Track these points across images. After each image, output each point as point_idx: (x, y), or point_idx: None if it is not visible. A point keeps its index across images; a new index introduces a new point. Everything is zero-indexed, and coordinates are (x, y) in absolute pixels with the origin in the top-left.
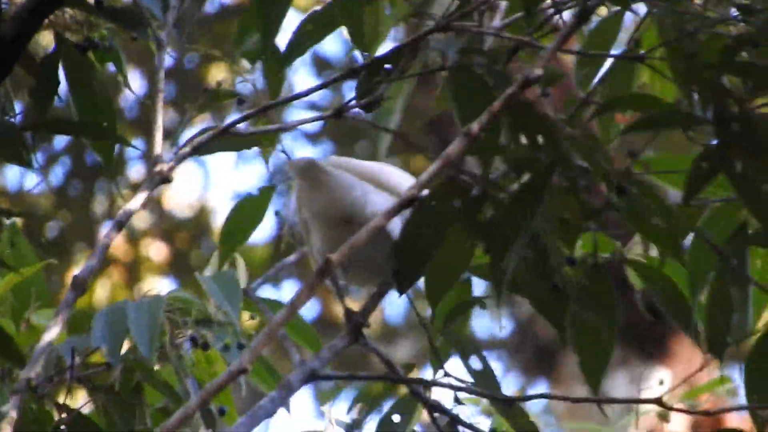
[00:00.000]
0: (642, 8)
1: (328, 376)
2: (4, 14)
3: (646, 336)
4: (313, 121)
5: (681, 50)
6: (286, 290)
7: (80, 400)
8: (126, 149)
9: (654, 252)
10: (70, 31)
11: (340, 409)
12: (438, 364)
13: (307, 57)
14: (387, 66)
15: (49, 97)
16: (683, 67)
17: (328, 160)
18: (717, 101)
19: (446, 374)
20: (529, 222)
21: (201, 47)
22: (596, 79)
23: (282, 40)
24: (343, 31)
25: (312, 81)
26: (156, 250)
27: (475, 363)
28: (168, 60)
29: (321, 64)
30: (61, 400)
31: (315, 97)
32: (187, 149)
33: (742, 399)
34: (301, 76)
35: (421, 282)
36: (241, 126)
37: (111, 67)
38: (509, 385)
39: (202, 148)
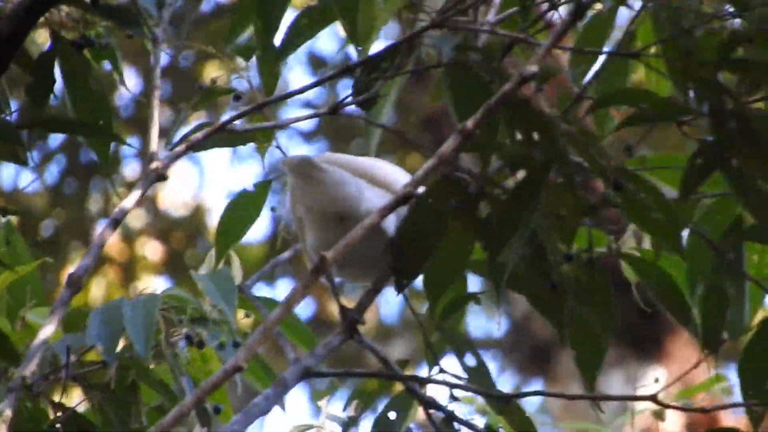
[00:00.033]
0: (637, 3)
1: (322, 373)
2: (1, 12)
3: (641, 335)
4: (309, 118)
5: (677, 47)
6: (281, 289)
7: (76, 399)
8: (121, 148)
9: (647, 245)
10: (66, 29)
11: (336, 407)
12: (433, 361)
13: (302, 55)
14: (383, 63)
15: (45, 95)
16: (680, 65)
17: (322, 156)
18: (713, 98)
19: (441, 371)
20: (528, 219)
21: (197, 43)
22: (590, 75)
23: (276, 36)
24: (338, 28)
25: (307, 79)
26: (151, 249)
27: (470, 360)
28: (163, 58)
29: (316, 63)
30: (56, 398)
31: (310, 95)
32: (182, 147)
33: (737, 398)
34: (296, 74)
35: (416, 279)
36: (237, 123)
37: (107, 65)
38: (505, 385)
39: (197, 145)
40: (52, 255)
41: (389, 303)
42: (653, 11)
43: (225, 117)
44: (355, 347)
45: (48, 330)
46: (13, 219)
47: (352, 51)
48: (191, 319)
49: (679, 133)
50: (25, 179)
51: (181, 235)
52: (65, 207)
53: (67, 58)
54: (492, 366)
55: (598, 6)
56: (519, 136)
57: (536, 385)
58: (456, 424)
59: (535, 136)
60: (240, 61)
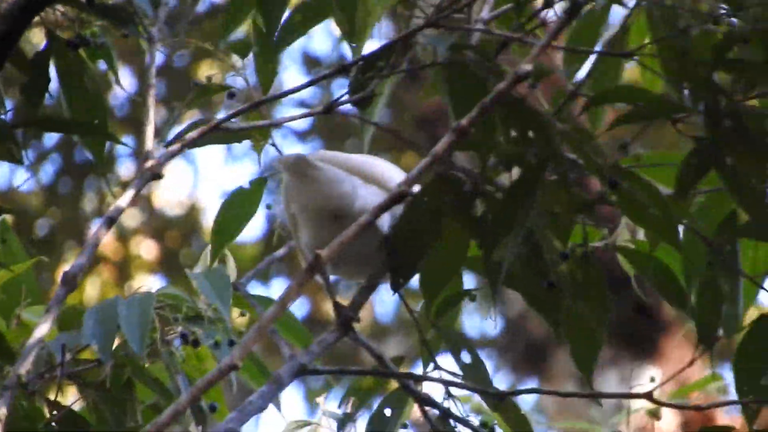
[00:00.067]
0: (630, 1)
1: (317, 371)
2: None
3: (636, 335)
4: (304, 117)
5: (673, 47)
6: (276, 288)
7: (71, 397)
8: (116, 147)
9: (641, 236)
10: (62, 28)
11: (333, 404)
12: (429, 358)
13: (297, 55)
14: (378, 62)
15: (40, 94)
16: (675, 65)
17: (316, 154)
18: (709, 98)
19: (437, 367)
20: (523, 218)
21: (193, 40)
22: (583, 72)
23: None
24: (331, 27)
25: (302, 79)
26: (146, 249)
27: (466, 358)
28: (159, 57)
29: (310, 63)
30: (51, 396)
31: (304, 94)
32: (177, 145)
33: (732, 397)
34: (290, 74)
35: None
36: (232, 121)
37: (102, 64)
38: (500, 384)
39: (192, 143)
40: (47, 254)
41: (384, 302)
42: (648, 9)
43: (219, 115)
44: (350, 345)
45: (43, 329)
46: (8, 218)
47: (346, 51)
48: (186, 317)
49: (674, 132)
50: (20, 178)
51: (176, 234)
52: (60, 206)
53: (63, 58)
54: (487, 365)
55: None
56: (514, 135)
57: (531, 384)
58: (451, 422)
59: (531, 134)
60: (235, 59)
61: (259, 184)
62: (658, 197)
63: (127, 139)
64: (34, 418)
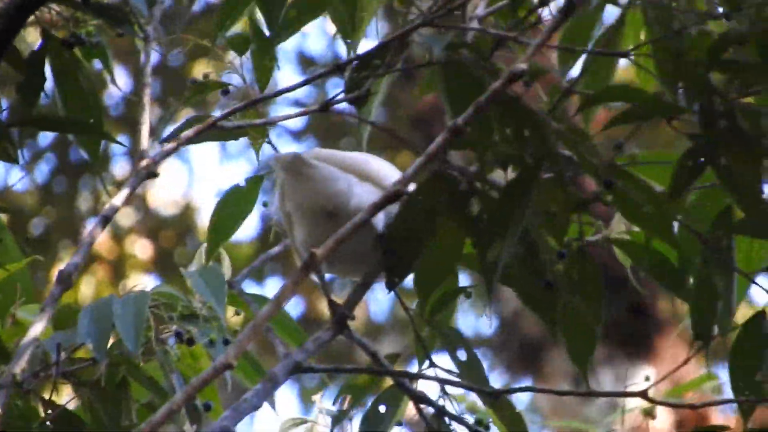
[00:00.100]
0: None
1: (312, 369)
2: None
3: (631, 335)
4: (300, 115)
5: (668, 48)
6: (270, 287)
7: (66, 396)
8: (111, 146)
9: (636, 227)
10: (57, 28)
11: (327, 403)
12: (424, 356)
13: (291, 55)
14: (374, 61)
15: (35, 93)
16: (670, 65)
17: (311, 152)
18: (704, 98)
19: (432, 365)
20: (520, 217)
21: (191, 37)
22: (577, 69)
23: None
24: (327, 24)
25: (297, 79)
26: (141, 248)
27: (462, 355)
28: (154, 56)
29: (305, 62)
30: (46, 395)
31: (299, 94)
32: (172, 143)
33: (727, 396)
34: (285, 74)
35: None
36: (227, 119)
37: (97, 63)
38: (494, 383)
39: (188, 140)
40: (41, 253)
41: (378, 301)
42: (642, 9)
43: (215, 114)
44: (344, 344)
45: (38, 327)
46: (3, 217)
47: (341, 50)
48: (181, 316)
49: (670, 132)
50: (15, 177)
51: (171, 233)
52: (55, 205)
53: (58, 57)
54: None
55: None
56: (510, 133)
57: (525, 383)
58: (446, 419)
59: (526, 133)
60: (230, 57)
61: (255, 183)
62: (652, 196)
63: (122, 138)
64: (29, 417)
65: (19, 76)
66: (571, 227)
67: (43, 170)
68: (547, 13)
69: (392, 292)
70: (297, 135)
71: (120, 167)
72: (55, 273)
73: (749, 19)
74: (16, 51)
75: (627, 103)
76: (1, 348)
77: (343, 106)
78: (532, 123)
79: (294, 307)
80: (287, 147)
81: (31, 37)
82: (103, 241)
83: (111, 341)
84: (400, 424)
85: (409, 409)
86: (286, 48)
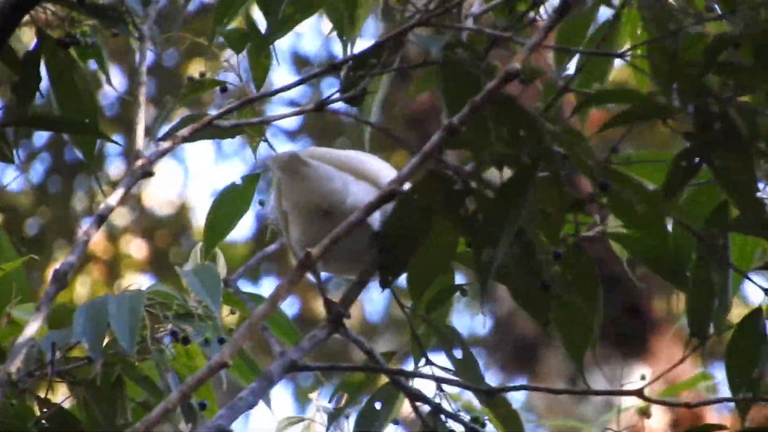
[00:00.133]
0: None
1: (308, 367)
2: None
3: (625, 334)
4: (295, 114)
5: (663, 49)
6: (265, 287)
7: (61, 395)
8: (106, 146)
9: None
10: (52, 28)
11: (323, 401)
12: (420, 354)
13: (286, 55)
14: (370, 60)
15: (30, 93)
16: (665, 66)
17: (307, 151)
18: (698, 100)
19: (428, 362)
20: (515, 217)
21: (187, 36)
22: (572, 66)
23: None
24: (322, 24)
25: (292, 78)
26: (136, 248)
27: (457, 354)
28: (149, 56)
29: (300, 62)
30: (42, 394)
31: (294, 94)
32: (168, 142)
33: (721, 395)
34: (280, 73)
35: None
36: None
37: (92, 63)
38: (489, 383)
39: (184, 138)
40: (36, 253)
41: (373, 300)
42: (638, 8)
43: (210, 112)
44: (339, 343)
45: (34, 327)
46: None
47: (335, 50)
48: (176, 315)
49: (665, 130)
50: (10, 177)
51: (166, 233)
52: (50, 205)
53: (53, 57)
54: None
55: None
56: (505, 133)
57: (520, 383)
58: (442, 417)
59: (522, 133)
60: (226, 56)
61: (251, 181)
62: (646, 197)
63: (117, 138)
64: (25, 416)
65: (15, 75)
66: (567, 223)
67: (38, 170)
68: (542, 12)
69: (387, 291)
70: (292, 135)
71: (115, 167)
72: (50, 273)
73: (744, 21)
74: (12, 50)
75: (622, 105)
76: None
77: (339, 105)
78: (527, 123)
79: (289, 307)
80: (282, 146)
81: (27, 37)
82: (98, 240)
83: (106, 340)
84: (396, 422)
85: (405, 409)
86: (281, 48)
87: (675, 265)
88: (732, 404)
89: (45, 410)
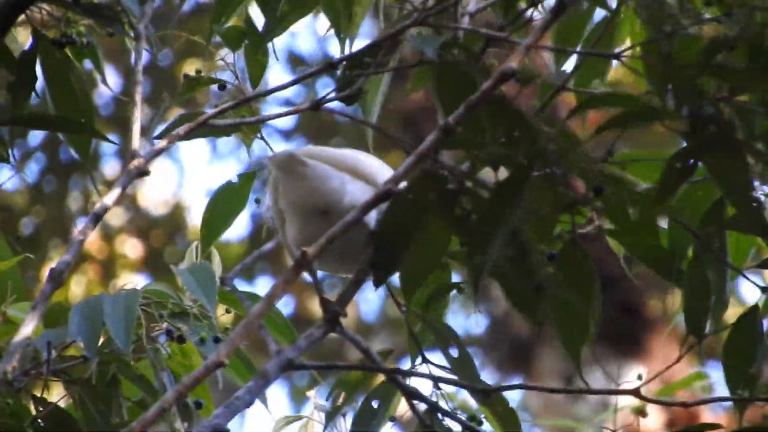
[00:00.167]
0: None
1: (304, 366)
2: None
3: (621, 334)
4: (291, 113)
5: (658, 50)
6: (260, 286)
7: (57, 394)
8: (101, 146)
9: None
10: (48, 28)
11: (319, 400)
12: (417, 351)
13: (281, 54)
14: (366, 59)
15: (26, 92)
16: (659, 68)
17: (304, 149)
18: (693, 102)
19: (425, 361)
20: (510, 218)
21: (183, 34)
22: (571, 65)
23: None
24: (317, 24)
25: (287, 78)
26: (131, 247)
27: (454, 352)
28: (144, 55)
29: (295, 61)
30: (37, 393)
31: (289, 93)
32: (164, 142)
33: (717, 395)
34: (275, 73)
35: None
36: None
37: (87, 63)
38: (485, 381)
39: (180, 137)
40: (31, 252)
41: (369, 300)
42: (634, 9)
43: (206, 111)
44: (335, 343)
45: (30, 326)
46: None
47: (331, 50)
48: (172, 314)
49: (661, 130)
50: (5, 176)
51: (161, 232)
52: (45, 205)
53: (49, 57)
54: None
55: None
56: (501, 133)
57: (516, 382)
58: (439, 415)
59: (516, 133)
60: (221, 55)
61: (247, 179)
62: (640, 202)
63: (113, 137)
64: (20, 416)
65: (10, 75)
66: (564, 220)
67: (33, 169)
68: (538, 12)
69: (384, 290)
70: (287, 134)
71: (110, 167)
72: (45, 272)
73: (739, 23)
74: (7, 50)
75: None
76: None
77: (335, 104)
78: (522, 124)
79: (284, 306)
80: (277, 146)
81: (22, 37)
82: (93, 240)
83: (102, 339)
84: (393, 420)
85: (402, 407)
86: (276, 47)
87: (671, 263)
88: (727, 403)
89: (41, 409)
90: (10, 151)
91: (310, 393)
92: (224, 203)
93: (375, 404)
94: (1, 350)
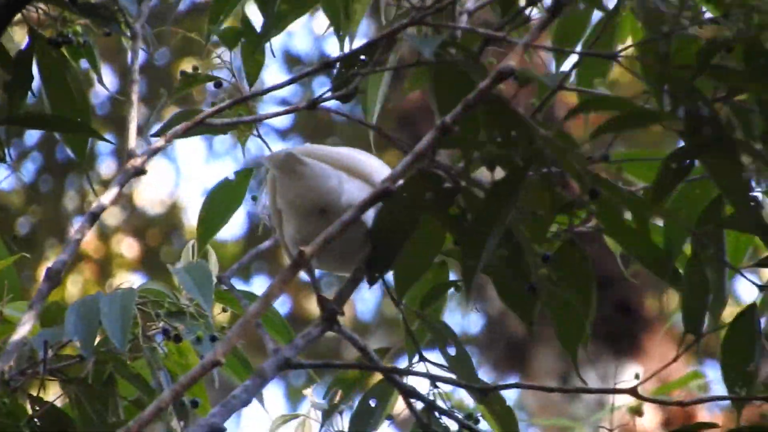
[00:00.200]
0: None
1: (302, 365)
2: None
3: (617, 333)
4: (288, 112)
5: (655, 50)
6: (257, 285)
7: (53, 393)
8: (97, 145)
9: (627, 215)
10: (44, 27)
11: (316, 398)
12: (414, 350)
13: (278, 53)
14: (362, 57)
15: (22, 92)
16: (656, 68)
17: (302, 148)
18: (689, 103)
19: (422, 358)
20: (505, 218)
21: (180, 31)
22: (568, 66)
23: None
24: (313, 23)
25: (283, 77)
26: (127, 247)
27: (451, 350)
28: (141, 54)
29: (292, 61)
30: (34, 393)
31: (285, 93)
32: (162, 140)
33: (713, 394)
34: (271, 72)
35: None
36: (215, 114)
37: (84, 63)
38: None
39: (177, 135)
40: (28, 252)
41: (365, 299)
42: (631, 10)
43: (202, 109)
44: (331, 343)
45: (26, 326)
46: None
47: (327, 49)
48: (168, 313)
49: (658, 129)
50: (1, 176)
51: (157, 232)
52: (41, 204)
53: (45, 56)
54: None
55: None
56: (497, 134)
57: (512, 381)
58: (436, 413)
59: (513, 134)
60: (218, 53)
61: (244, 176)
62: (635, 206)
63: (109, 137)
64: (17, 415)
65: (7, 74)
66: (561, 219)
67: (29, 169)
68: (535, 11)
69: (381, 289)
70: (283, 133)
71: (106, 166)
72: (41, 271)
73: (737, 25)
74: (4, 50)
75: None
76: None
77: (331, 103)
78: (518, 125)
79: (281, 306)
80: (274, 145)
81: (19, 37)
82: (89, 240)
83: (98, 338)
84: (390, 418)
85: (399, 406)
86: (273, 46)
87: (666, 262)
88: (724, 402)
89: (37, 408)
90: (6, 151)
91: (307, 391)
92: (221, 200)
93: (372, 403)
94: None
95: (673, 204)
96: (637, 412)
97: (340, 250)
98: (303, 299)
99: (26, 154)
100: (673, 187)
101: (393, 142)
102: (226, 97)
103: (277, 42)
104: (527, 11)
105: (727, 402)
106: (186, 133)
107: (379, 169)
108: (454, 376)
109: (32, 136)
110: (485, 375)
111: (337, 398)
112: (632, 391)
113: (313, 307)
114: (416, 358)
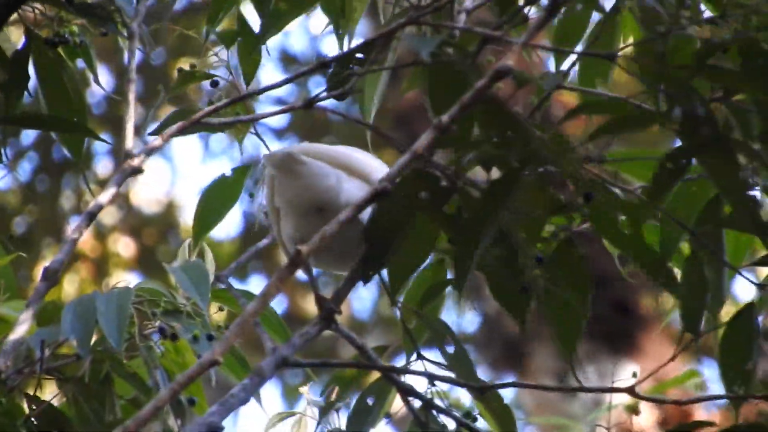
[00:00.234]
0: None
1: (299, 363)
2: None
3: (614, 332)
4: (284, 112)
5: (652, 50)
6: (253, 284)
7: (50, 392)
8: (93, 145)
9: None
10: (40, 27)
11: (313, 396)
12: (412, 348)
13: (274, 53)
14: (359, 56)
15: (19, 92)
16: (653, 68)
17: (300, 147)
18: (686, 103)
19: (420, 357)
20: (500, 218)
21: (177, 28)
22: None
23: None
24: (310, 23)
25: (279, 77)
26: (124, 246)
27: (449, 348)
28: (137, 54)
29: (288, 60)
30: (31, 392)
31: (282, 92)
32: (159, 140)
33: (710, 393)
34: (268, 72)
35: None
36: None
37: (80, 62)
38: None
39: (174, 134)
40: (24, 251)
41: (362, 298)
42: (630, 10)
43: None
44: (328, 342)
45: (23, 325)
46: None
47: (324, 49)
48: (165, 311)
49: (656, 129)
50: None
51: (153, 231)
52: (38, 204)
53: (42, 56)
54: None
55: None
56: (494, 134)
57: (509, 380)
58: (434, 412)
59: (509, 134)
60: (214, 53)
61: (240, 173)
62: (629, 211)
63: (105, 136)
64: (14, 414)
65: (3, 74)
66: (557, 220)
67: (26, 169)
68: (533, 10)
69: (376, 290)
70: (279, 133)
71: (103, 166)
72: (38, 271)
73: (734, 26)
74: (0, 50)
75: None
76: None
77: (328, 103)
78: (515, 125)
79: (277, 305)
80: (270, 144)
81: (15, 36)
82: (86, 239)
83: (95, 338)
84: (388, 417)
85: (396, 404)
86: (269, 46)
87: (661, 264)
88: (720, 401)
89: (34, 408)
90: (2, 151)
91: (304, 389)
92: (217, 197)
93: (370, 401)
94: None
95: (670, 203)
96: (634, 410)
97: (337, 249)
98: (300, 298)
99: (23, 153)
100: (670, 186)
101: (390, 142)
102: (222, 97)
103: (273, 41)
104: (525, 10)
105: (724, 400)
106: (183, 132)
107: (377, 168)
108: (451, 375)
109: (29, 135)
110: (482, 374)
111: (334, 396)
112: (629, 390)
113: (309, 306)
114: (414, 356)
